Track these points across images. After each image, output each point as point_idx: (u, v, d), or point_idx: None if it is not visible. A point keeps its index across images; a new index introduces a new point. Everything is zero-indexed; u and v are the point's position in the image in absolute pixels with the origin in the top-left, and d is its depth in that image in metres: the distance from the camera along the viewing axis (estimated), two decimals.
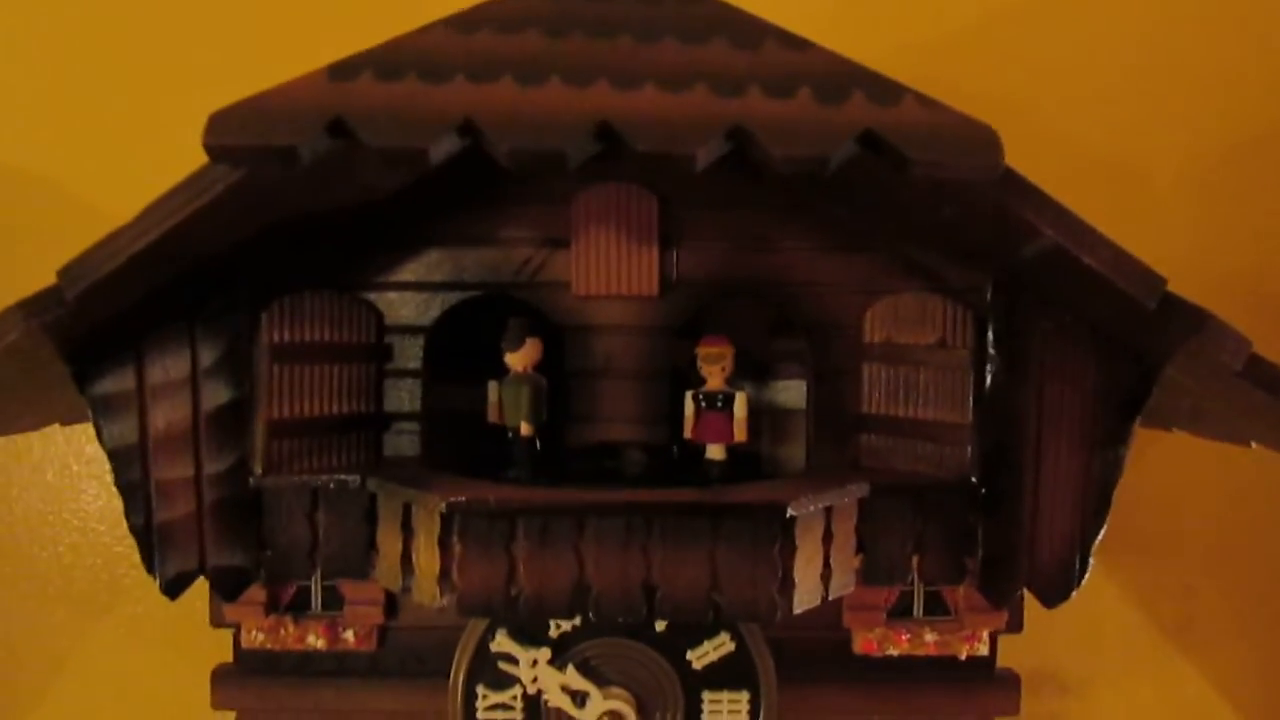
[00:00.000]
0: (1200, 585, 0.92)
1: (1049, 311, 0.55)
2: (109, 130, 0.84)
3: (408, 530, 0.53)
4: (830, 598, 0.54)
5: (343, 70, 0.44)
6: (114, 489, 0.55)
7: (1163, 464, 0.89)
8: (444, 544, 0.52)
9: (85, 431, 0.74)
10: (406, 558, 0.54)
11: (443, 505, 0.51)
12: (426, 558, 0.53)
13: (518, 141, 0.42)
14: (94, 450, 0.75)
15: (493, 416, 0.59)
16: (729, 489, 0.53)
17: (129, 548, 0.63)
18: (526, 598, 0.51)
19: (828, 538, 0.54)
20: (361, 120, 0.42)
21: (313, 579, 0.62)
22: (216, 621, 0.63)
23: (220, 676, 0.64)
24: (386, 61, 0.44)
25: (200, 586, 0.58)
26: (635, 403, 0.60)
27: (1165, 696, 0.93)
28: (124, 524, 0.55)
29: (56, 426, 0.70)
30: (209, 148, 0.42)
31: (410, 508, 0.53)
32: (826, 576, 0.54)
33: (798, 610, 0.53)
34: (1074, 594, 0.57)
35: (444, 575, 0.52)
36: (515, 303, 0.60)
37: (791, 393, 0.68)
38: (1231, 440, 0.62)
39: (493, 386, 0.59)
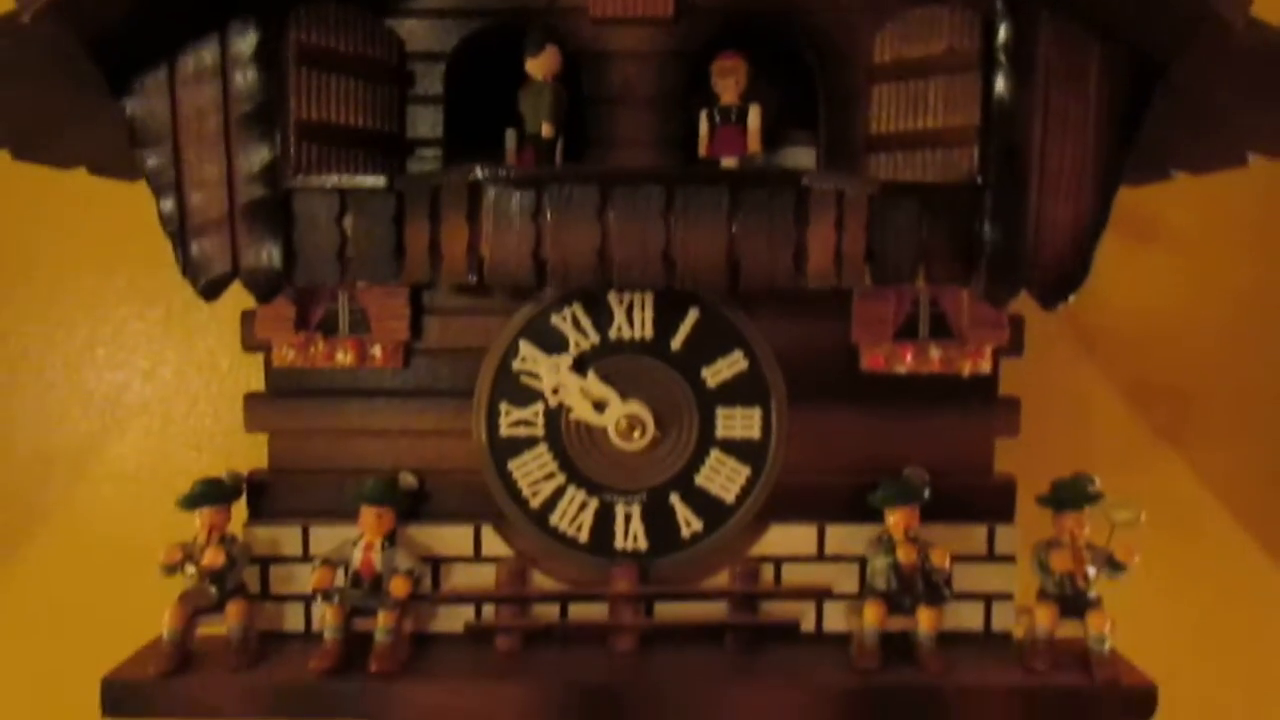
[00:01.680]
0: (1194, 389, 0.95)
1: (1055, 14, 0.57)
2: None
3: (435, 218, 0.55)
4: (842, 282, 0.56)
5: None
6: None
7: (1163, 270, 0.92)
8: (472, 219, 0.54)
9: None
10: (435, 245, 0.56)
11: (473, 175, 0.53)
12: (455, 238, 0.55)
13: None
14: None
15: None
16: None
17: None
18: (552, 266, 0.53)
19: (839, 225, 0.56)
20: None
21: (340, 302, 0.65)
22: (249, 344, 0.66)
23: (252, 401, 0.66)
24: None
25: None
26: (651, 127, 0.62)
27: (1156, 494, 0.95)
28: None
29: None
30: None
31: (439, 191, 0.55)
32: (839, 262, 0.56)
33: (812, 283, 0.55)
34: (1072, 297, 0.59)
35: (471, 250, 0.54)
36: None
37: (801, 159, 0.70)
38: (1229, 163, 0.64)
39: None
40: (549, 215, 0.53)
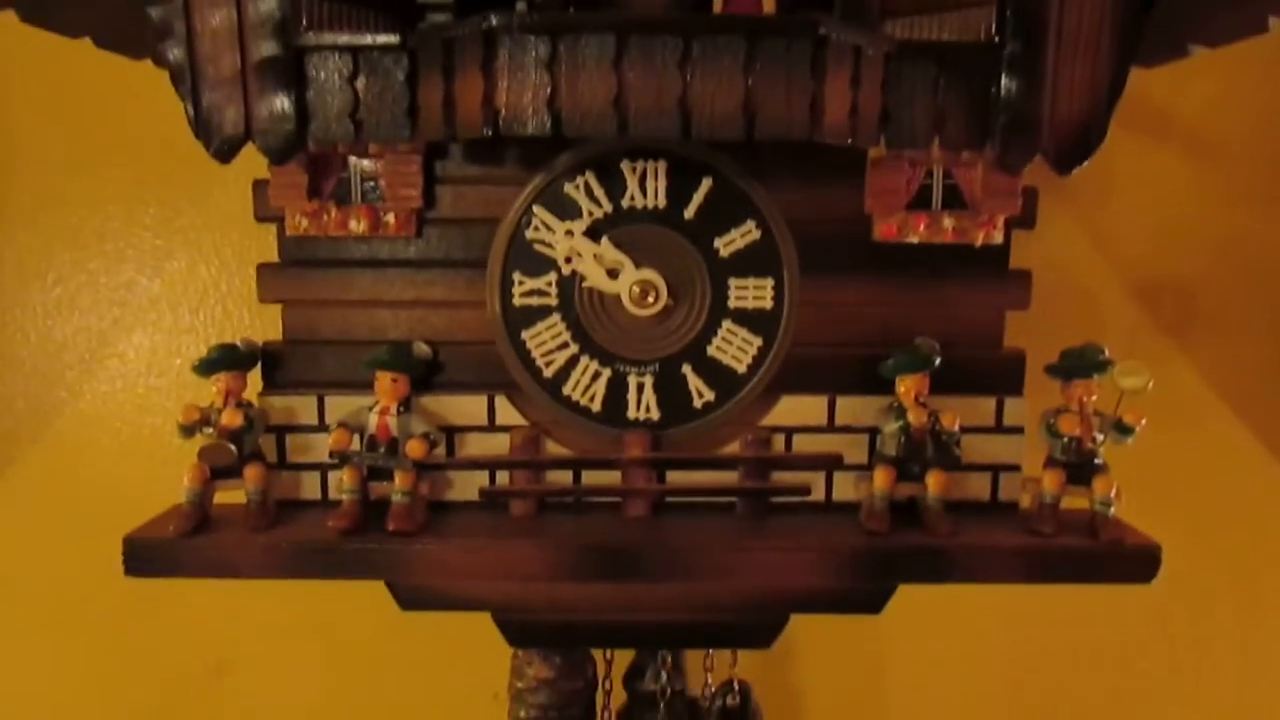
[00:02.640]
0: (1200, 287, 0.95)
1: None
2: None
3: (449, 72, 0.55)
4: (857, 140, 0.56)
5: None
6: None
7: (1175, 170, 0.92)
8: (486, 69, 0.54)
9: None
10: (449, 100, 0.56)
11: (488, 22, 0.52)
12: (469, 91, 0.55)
13: None
14: None
15: None
16: None
17: None
18: (568, 116, 0.53)
19: (855, 83, 0.56)
20: None
21: (352, 169, 0.65)
22: (261, 214, 0.66)
23: (265, 271, 0.66)
24: None
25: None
26: None
27: (1160, 391, 0.96)
28: None
29: None
30: None
31: (452, 44, 0.55)
32: (854, 119, 0.56)
33: (828, 138, 0.55)
34: (1088, 161, 0.59)
35: (487, 102, 0.54)
36: None
37: None
38: (1248, 30, 0.63)
39: None
40: (564, 65, 0.53)
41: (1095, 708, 1.02)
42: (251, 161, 0.60)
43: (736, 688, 0.78)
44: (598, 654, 0.80)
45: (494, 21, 0.52)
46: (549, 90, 0.53)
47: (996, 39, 0.58)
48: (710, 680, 0.81)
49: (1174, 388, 0.95)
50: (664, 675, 0.78)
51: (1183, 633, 1.01)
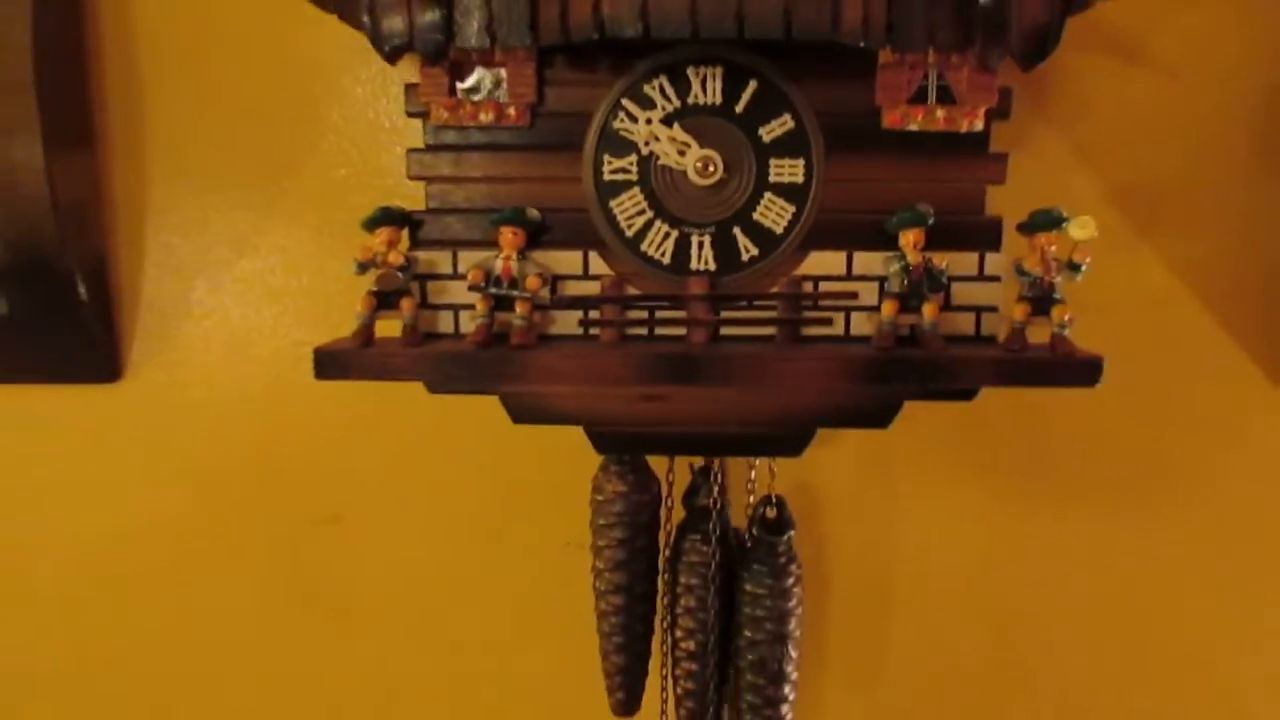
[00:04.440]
0: (1168, 190, 1.12)
1: None
2: None
3: None
4: (869, 41, 0.75)
5: None
6: None
7: (1147, 88, 1.08)
8: None
9: None
10: (564, 12, 0.75)
11: None
12: (581, 3, 0.74)
13: None
14: None
15: None
16: None
17: None
18: (654, 20, 0.73)
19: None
20: None
21: (481, 74, 0.84)
22: (411, 109, 0.86)
23: (413, 154, 0.86)
24: None
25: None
26: None
27: (1132, 285, 1.14)
28: None
29: None
30: None
31: None
32: (866, 25, 0.75)
33: (846, 39, 0.74)
34: (1046, 58, 0.78)
35: (595, 11, 0.74)
36: None
37: None
38: None
39: None
40: None
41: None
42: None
43: (774, 500, 0.98)
44: (661, 475, 1.00)
45: None
46: (642, 2, 0.73)
47: None
48: (752, 497, 1.00)
49: (1144, 276, 1.12)
50: (716, 492, 0.98)
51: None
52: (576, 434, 0.91)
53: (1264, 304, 1.13)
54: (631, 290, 0.85)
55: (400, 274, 0.82)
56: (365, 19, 0.78)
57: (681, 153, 0.82)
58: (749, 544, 0.99)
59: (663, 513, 1.00)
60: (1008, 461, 1.17)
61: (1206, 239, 1.12)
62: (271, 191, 1.14)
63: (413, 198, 0.87)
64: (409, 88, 0.85)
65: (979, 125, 0.83)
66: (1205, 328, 1.14)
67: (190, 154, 1.14)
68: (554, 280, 0.85)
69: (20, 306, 1.16)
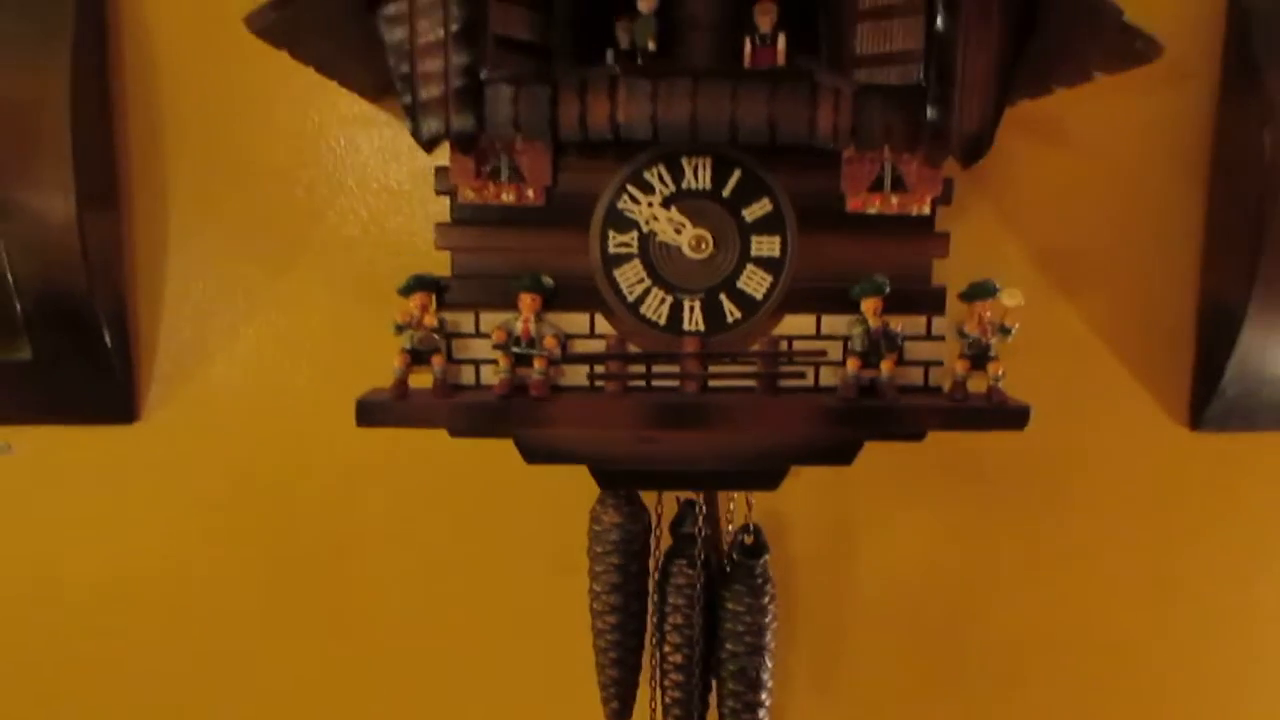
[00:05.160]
0: (1085, 253, 1.29)
1: None
2: None
3: (583, 95, 0.88)
4: (837, 145, 0.90)
5: None
6: None
7: (1067, 164, 1.25)
8: (612, 95, 0.87)
9: None
10: (583, 116, 0.88)
11: (613, 70, 0.85)
12: (598, 110, 0.87)
13: None
14: None
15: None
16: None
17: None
18: (661, 127, 0.86)
19: (836, 108, 0.89)
20: None
21: (503, 160, 0.97)
22: (441, 188, 0.98)
23: (440, 228, 0.98)
24: None
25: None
26: (713, 44, 0.94)
27: (1049, 331, 1.31)
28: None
29: None
30: None
31: (585, 80, 0.87)
32: (835, 131, 0.89)
33: (820, 143, 0.88)
34: (982, 159, 0.93)
35: (610, 117, 0.87)
36: None
37: None
38: (1079, 78, 0.97)
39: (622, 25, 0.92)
40: (661, 94, 0.86)
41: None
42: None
43: (751, 528, 1.11)
44: (651, 507, 1.13)
45: (616, 69, 0.85)
46: (651, 110, 0.86)
47: (923, 82, 0.92)
48: (731, 526, 1.14)
49: (1061, 329, 1.29)
50: (700, 521, 1.11)
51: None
52: (568, 472, 1.03)
53: (1167, 350, 1.31)
54: (632, 348, 0.98)
55: (435, 335, 0.93)
56: (407, 120, 0.90)
57: (678, 231, 0.96)
58: (729, 567, 1.12)
59: (652, 540, 1.13)
60: (952, 491, 1.33)
61: (1117, 295, 1.30)
62: (285, 247, 1.25)
63: (417, 254, 0.99)
64: (439, 170, 0.97)
65: (926, 210, 0.98)
66: (1115, 370, 1.32)
67: (209, 211, 1.24)
68: (565, 339, 0.98)
69: (45, 351, 1.24)
